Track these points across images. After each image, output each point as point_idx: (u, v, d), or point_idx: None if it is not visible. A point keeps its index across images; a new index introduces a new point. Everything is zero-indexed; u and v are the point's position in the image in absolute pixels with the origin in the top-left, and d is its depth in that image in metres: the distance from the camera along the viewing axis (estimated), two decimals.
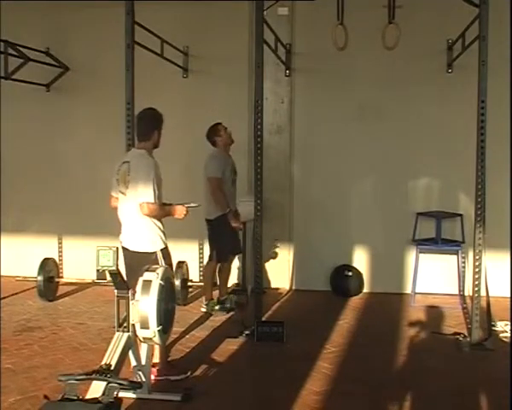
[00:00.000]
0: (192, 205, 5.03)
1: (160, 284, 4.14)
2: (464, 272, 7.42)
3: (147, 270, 4.24)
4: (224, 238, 6.77)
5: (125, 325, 4.13)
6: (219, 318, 6.68)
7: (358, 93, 7.59)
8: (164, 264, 4.75)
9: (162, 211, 4.85)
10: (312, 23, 7.54)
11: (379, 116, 7.57)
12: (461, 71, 7.20)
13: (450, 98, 7.39)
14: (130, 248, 4.87)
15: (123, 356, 4.00)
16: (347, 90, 7.61)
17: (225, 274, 7.10)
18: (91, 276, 7.47)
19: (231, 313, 6.79)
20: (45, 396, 3.34)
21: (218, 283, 7.12)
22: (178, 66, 7.74)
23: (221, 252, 6.88)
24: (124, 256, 4.97)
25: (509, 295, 7.01)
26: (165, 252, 4.89)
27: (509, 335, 6.05)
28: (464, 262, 7.42)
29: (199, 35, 7.82)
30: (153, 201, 4.70)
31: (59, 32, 8.09)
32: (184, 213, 4.93)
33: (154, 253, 4.82)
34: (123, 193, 4.87)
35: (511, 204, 6.52)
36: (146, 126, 4.97)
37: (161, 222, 4.91)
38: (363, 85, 7.57)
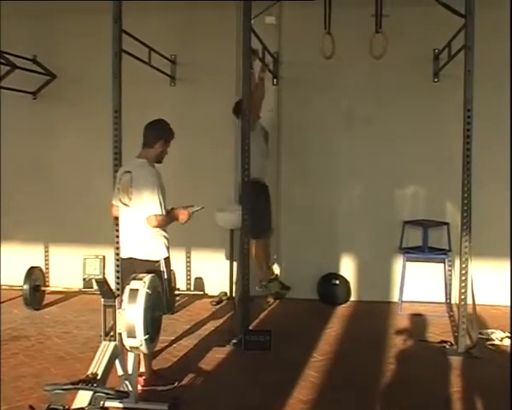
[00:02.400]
0: (194, 209, 5.07)
1: (147, 292, 4.13)
2: (451, 280, 7.42)
3: (134, 279, 4.24)
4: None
5: (111, 333, 4.12)
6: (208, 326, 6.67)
7: (346, 102, 7.60)
8: (166, 272, 4.86)
9: (168, 220, 4.90)
10: (300, 32, 7.55)
11: (366, 125, 7.58)
12: (447, 80, 7.22)
13: (437, 107, 7.41)
14: (136, 257, 4.88)
15: (109, 365, 3.99)
16: (335, 99, 7.62)
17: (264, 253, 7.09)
18: (78, 284, 7.43)
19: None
20: (31, 406, 3.32)
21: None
22: (166, 74, 7.73)
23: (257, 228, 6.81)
24: (124, 266, 5.02)
25: (494, 303, 7.13)
26: (168, 261, 4.95)
27: (495, 343, 6.08)
28: (451, 270, 7.42)
29: (186, 44, 7.80)
30: (160, 212, 4.75)
31: (46, 40, 8.05)
32: (187, 217, 4.98)
33: (158, 261, 4.87)
34: (125, 204, 4.89)
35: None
36: (149, 134, 4.98)
37: (165, 230, 4.96)
38: (351, 94, 7.58)
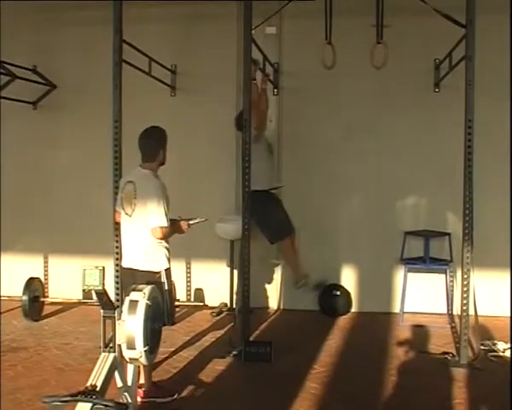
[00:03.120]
0: (197, 221, 5.14)
1: (147, 303, 4.08)
2: (453, 290, 7.38)
3: (133, 290, 4.19)
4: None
5: (111, 345, 4.06)
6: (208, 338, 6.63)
7: (346, 112, 7.58)
8: (167, 283, 4.85)
9: (172, 232, 4.92)
10: (300, 42, 7.54)
11: (367, 135, 7.54)
12: (448, 90, 7.20)
13: (438, 118, 7.39)
14: (137, 268, 4.87)
15: (109, 377, 3.93)
16: (335, 110, 7.60)
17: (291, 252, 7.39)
18: (77, 295, 7.45)
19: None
20: None
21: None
22: (166, 84, 7.71)
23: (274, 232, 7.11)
24: (125, 277, 5.04)
25: (496, 314, 7.06)
26: (168, 272, 4.94)
27: (497, 354, 6.02)
28: (452, 281, 7.38)
29: (187, 53, 7.79)
30: (166, 224, 4.76)
31: (46, 50, 8.03)
32: (186, 228, 5.03)
33: (159, 272, 4.86)
34: (128, 214, 4.88)
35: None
36: (151, 147, 4.95)
37: (167, 241, 4.96)
38: (351, 105, 7.56)
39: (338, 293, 7.67)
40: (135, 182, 4.85)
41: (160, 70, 7.37)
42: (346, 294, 7.73)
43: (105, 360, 3.98)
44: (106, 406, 3.38)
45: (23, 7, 7.59)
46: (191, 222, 5.08)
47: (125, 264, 5.01)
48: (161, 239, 4.83)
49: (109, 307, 4.08)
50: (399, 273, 7.49)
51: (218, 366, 5.74)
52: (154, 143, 4.97)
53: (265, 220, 7.03)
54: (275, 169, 7.35)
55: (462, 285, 5.70)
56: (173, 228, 4.92)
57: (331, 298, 7.66)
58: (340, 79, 7.23)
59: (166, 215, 4.76)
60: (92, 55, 7.74)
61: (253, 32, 6.02)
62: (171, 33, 7.80)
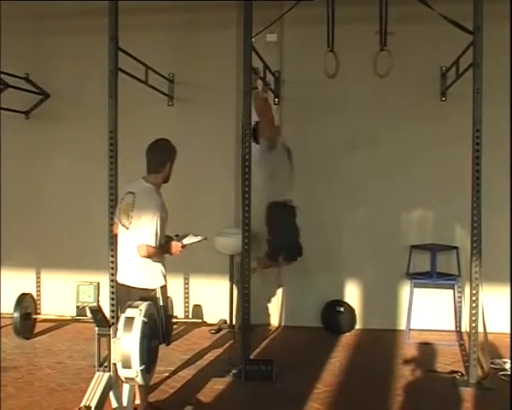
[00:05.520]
0: (194, 240, 4.95)
1: (143, 321, 4.04)
2: (461, 307, 7.31)
3: (129, 306, 4.15)
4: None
5: (105, 364, 4.04)
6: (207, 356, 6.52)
7: (349, 122, 7.52)
8: (162, 301, 4.78)
9: (159, 253, 4.80)
10: (302, 50, 7.49)
11: (371, 145, 7.47)
12: (455, 99, 7.16)
13: (445, 127, 7.34)
14: (131, 284, 4.79)
15: (103, 397, 3.93)
16: (338, 119, 7.53)
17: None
18: (71, 312, 7.31)
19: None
20: None
21: None
22: (163, 93, 7.66)
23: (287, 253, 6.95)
24: (120, 292, 4.98)
25: (506, 331, 6.88)
26: (164, 289, 4.85)
27: (508, 373, 5.90)
28: (461, 297, 7.31)
29: (185, 62, 7.75)
30: (153, 244, 4.65)
31: (39, 58, 7.99)
32: (179, 249, 4.88)
33: (155, 289, 4.78)
34: (124, 226, 4.79)
35: (511, 236, 6.40)
36: (158, 158, 4.87)
37: (162, 257, 4.88)
38: (355, 114, 7.50)
39: (341, 309, 7.60)
40: (135, 193, 4.77)
41: (158, 79, 7.32)
42: (350, 310, 7.65)
43: (99, 380, 3.99)
44: None
45: (15, 14, 7.58)
46: (185, 242, 4.92)
47: (120, 279, 4.93)
48: (145, 258, 4.71)
49: (104, 324, 4.06)
50: (405, 289, 7.42)
51: (217, 385, 5.66)
52: (162, 155, 4.89)
53: (284, 238, 6.83)
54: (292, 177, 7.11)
55: (471, 301, 5.61)
56: (162, 249, 4.81)
57: (334, 314, 7.58)
58: (342, 87, 7.14)
59: (157, 235, 4.67)
60: (87, 64, 7.69)
61: (253, 39, 5.95)
62: (168, 41, 7.74)
